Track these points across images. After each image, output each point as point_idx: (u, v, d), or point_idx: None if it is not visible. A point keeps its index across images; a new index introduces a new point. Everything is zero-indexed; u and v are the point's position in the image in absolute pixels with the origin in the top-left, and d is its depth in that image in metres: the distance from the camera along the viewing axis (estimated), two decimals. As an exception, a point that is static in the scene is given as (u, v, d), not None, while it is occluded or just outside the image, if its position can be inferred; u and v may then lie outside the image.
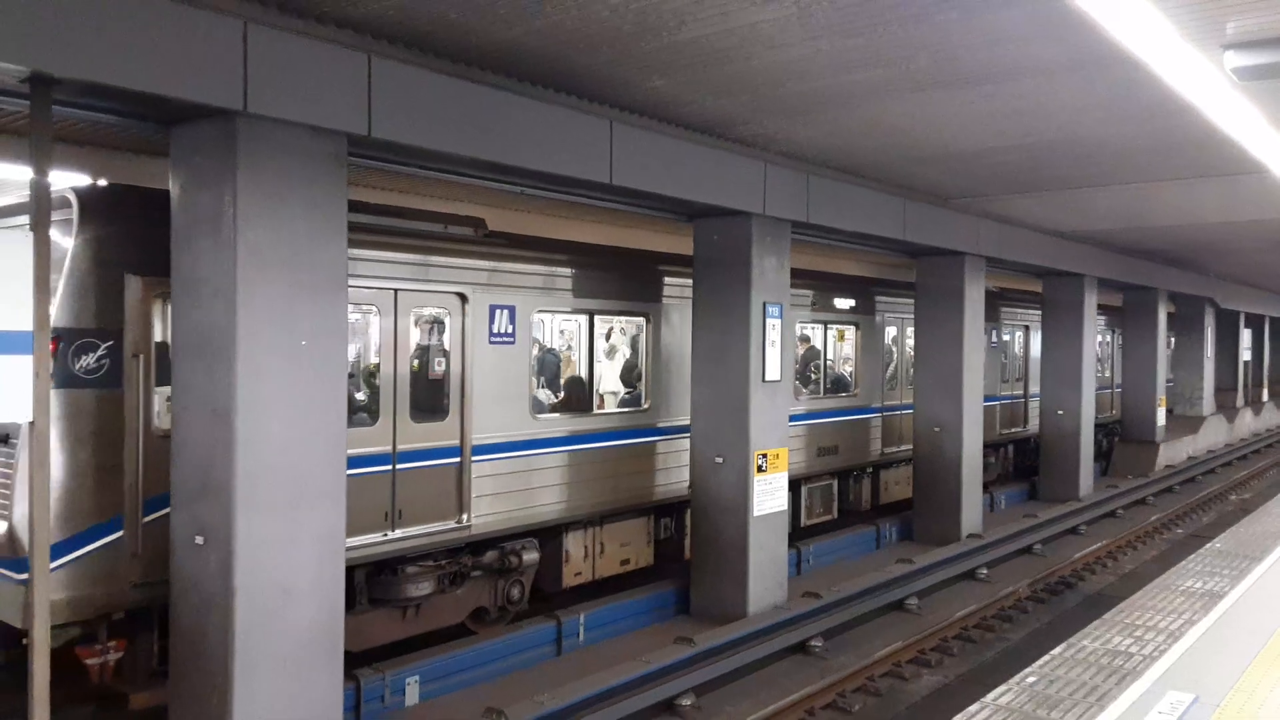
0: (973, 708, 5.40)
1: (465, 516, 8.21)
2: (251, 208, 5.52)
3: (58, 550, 5.90)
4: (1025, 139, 8.54)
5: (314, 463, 5.87)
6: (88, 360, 6.21)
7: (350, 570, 6.98)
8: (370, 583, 7.75)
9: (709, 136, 8.46)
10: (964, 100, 7.27)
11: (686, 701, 7.60)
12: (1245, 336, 28.71)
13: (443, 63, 6.32)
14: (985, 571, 11.99)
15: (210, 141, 5.61)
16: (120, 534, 6.28)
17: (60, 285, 6.03)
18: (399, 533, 7.69)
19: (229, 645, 5.54)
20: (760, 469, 9.41)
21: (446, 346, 8.26)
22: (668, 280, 10.37)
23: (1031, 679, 5.84)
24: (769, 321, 9.46)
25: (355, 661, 7.32)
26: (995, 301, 16.53)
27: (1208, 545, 9.74)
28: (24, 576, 5.60)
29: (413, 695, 7.37)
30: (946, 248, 12.49)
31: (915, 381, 13.61)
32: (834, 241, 11.80)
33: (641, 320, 10.28)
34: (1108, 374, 21.43)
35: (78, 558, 6.10)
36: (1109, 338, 21.67)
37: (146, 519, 6.34)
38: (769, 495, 9.54)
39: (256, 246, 5.54)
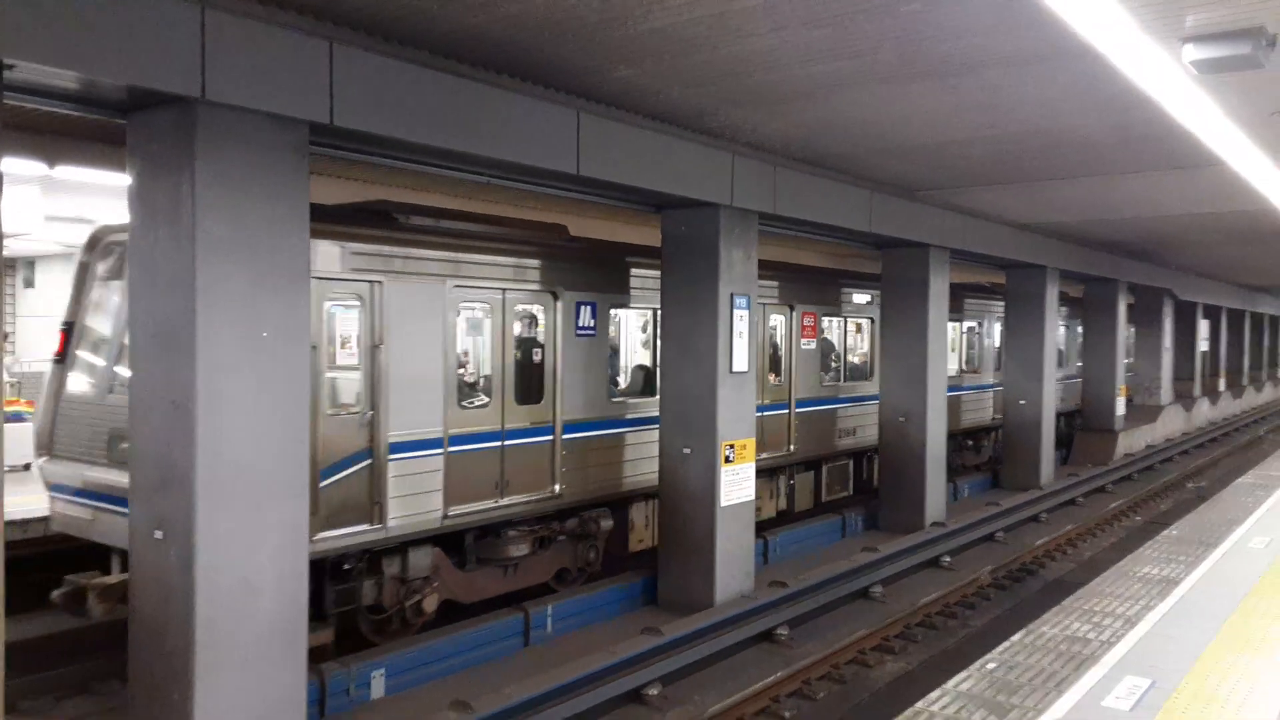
0: (934, 694, 5.48)
1: (557, 487, 9.38)
2: (210, 197, 5.43)
3: None
4: (989, 131, 8.61)
5: (277, 456, 5.80)
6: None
7: (462, 532, 8.60)
8: (477, 544, 8.90)
9: (676, 127, 8.45)
10: (929, 92, 7.31)
11: (654, 691, 7.62)
12: (1203, 327, 29.20)
13: (407, 50, 6.25)
14: (949, 559, 12.13)
15: (168, 129, 5.51)
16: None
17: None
18: (506, 500, 8.88)
19: (190, 639, 5.47)
20: (728, 460, 9.44)
21: (540, 339, 9.48)
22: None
23: (992, 665, 5.93)
24: (736, 313, 9.47)
25: (458, 614, 8.64)
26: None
27: (1165, 532, 9.94)
28: None
29: (378, 689, 7.33)
30: (912, 239, 12.58)
31: (881, 371, 13.73)
32: (801, 233, 11.85)
33: None
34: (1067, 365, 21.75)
35: None
36: (1066, 329, 21.97)
37: (323, 484, 7.28)
38: (736, 486, 9.58)
39: (216, 236, 5.45)
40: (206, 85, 5.27)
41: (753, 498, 9.87)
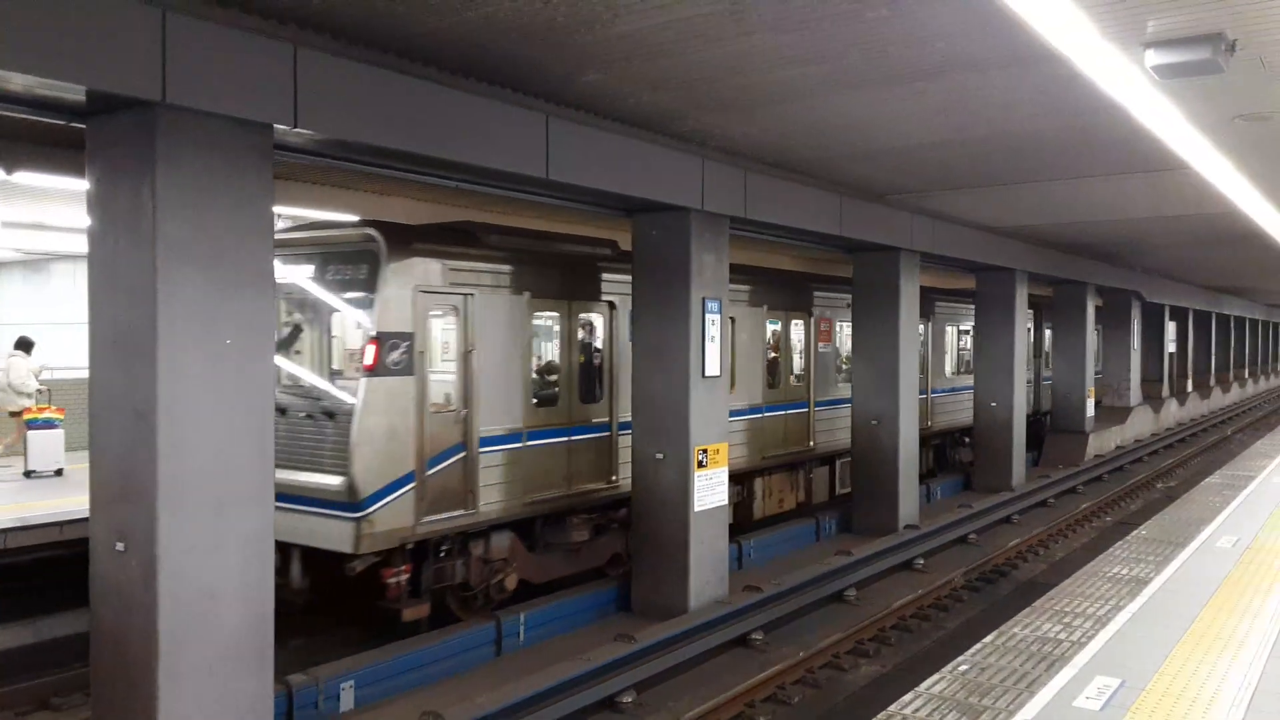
0: (907, 697, 5.47)
1: (614, 478, 10.26)
2: (172, 202, 5.34)
3: (379, 495, 7.80)
4: (957, 135, 8.67)
5: (240, 464, 5.71)
6: (396, 355, 7.96)
7: (533, 519, 9.47)
8: (545, 530, 9.67)
9: (647, 131, 8.44)
10: (896, 97, 7.34)
11: (628, 699, 7.57)
12: (1170, 329, 29.55)
13: (373, 54, 6.20)
14: (922, 562, 12.18)
15: (128, 133, 5.42)
16: (413, 484, 8.09)
17: (377, 302, 7.95)
18: (572, 490, 9.80)
19: (153, 651, 5.37)
20: (701, 464, 9.42)
21: (599, 345, 10.46)
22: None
23: (964, 667, 5.93)
24: (708, 317, 9.47)
25: (532, 592, 9.45)
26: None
27: (1134, 532, 10.01)
28: (357, 515, 7.70)
29: (348, 700, 7.23)
30: (882, 243, 12.64)
31: (853, 375, 13.78)
32: (772, 237, 11.88)
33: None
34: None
35: (391, 500, 7.89)
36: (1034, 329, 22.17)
37: (428, 473, 8.21)
38: (710, 490, 9.56)
39: (177, 242, 5.37)
40: (167, 88, 5.19)
41: (726, 502, 9.87)
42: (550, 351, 10.32)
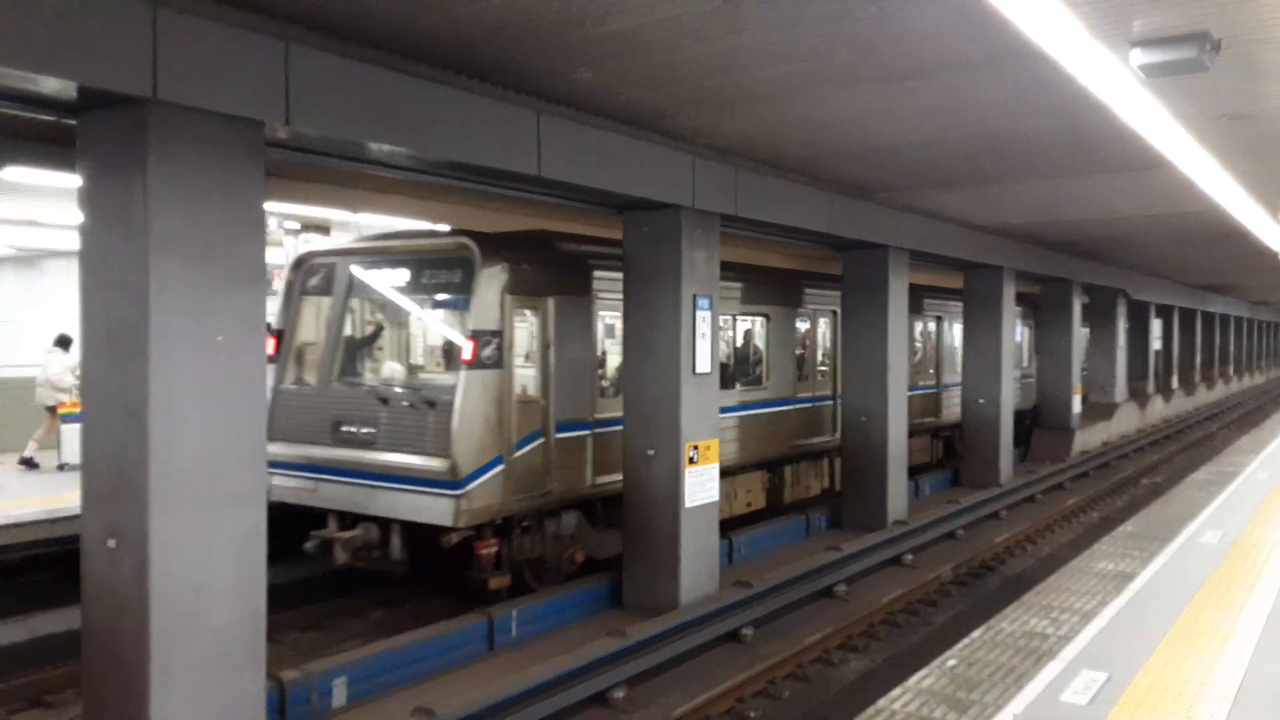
0: (896, 691, 5.53)
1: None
2: (163, 198, 5.33)
3: (475, 475, 8.71)
4: (944, 133, 8.72)
5: (233, 461, 5.71)
6: (489, 351, 8.90)
7: (595, 500, 10.16)
8: (605, 510, 10.26)
9: (638, 129, 8.46)
10: (885, 95, 7.38)
11: (619, 694, 7.61)
12: (1155, 326, 29.72)
13: (365, 51, 6.20)
14: (910, 557, 12.24)
15: (119, 130, 5.40)
16: (502, 466, 8.94)
17: (473, 303, 8.96)
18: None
19: (144, 649, 5.36)
20: (692, 461, 9.45)
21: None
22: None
23: (952, 662, 5.99)
24: (699, 314, 9.49)
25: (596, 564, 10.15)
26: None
27: (1120, 528, 10.12)
28: (457, 493, 8.57)
29: (340, 696, 7.24)
30: (871, 241, 12.68)
31: (842, 372, 13.85)
32: (762, 235, 11.92)
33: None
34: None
35: (484, 480, 8.79)
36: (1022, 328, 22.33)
37: (515, 454, 9.11)
38: (700, 487, 9.59)
39: (169, 238, 5.36)
40: (159, 85, 5.18)
41: (717, 498, 9.91)
42: (615, 349, 10.95)
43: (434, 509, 8.68)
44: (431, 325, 11.15)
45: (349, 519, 9.24)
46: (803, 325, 14.46)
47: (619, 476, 9.92)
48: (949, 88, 7.19)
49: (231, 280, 5.67)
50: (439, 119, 6.76)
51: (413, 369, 11.01)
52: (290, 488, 9.38)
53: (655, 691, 7.87)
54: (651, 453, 9.45)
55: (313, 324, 10.42)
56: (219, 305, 5.60)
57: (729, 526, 11.45)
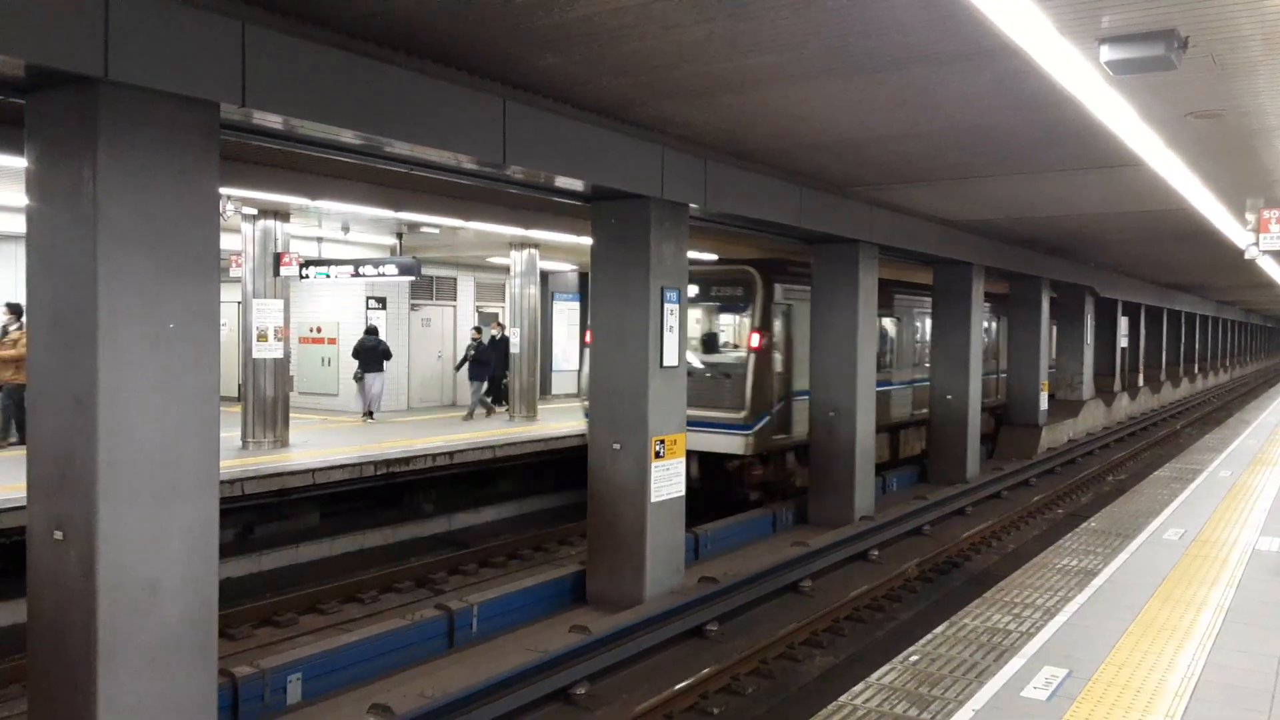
0: (858, 687, 5.49)
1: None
2: (113, 182, 5.18)
3: (756, 420, 13.53)
4: (915, 128, 8.69)
5: (185, 452, 5.57)
6: (763, 341, 13.61)
7: (799, 446, 14.46)
8: (799, 454, 14.68)
9: (607, 118, 8.37)
10: (855, 88, 7.34)
11: (581, 690, 7.53)
12: (1123, 324, 30.06)
13: (323, 32, 6.05)
14: (876, 553, 12.27)
15: (69, 111, 5.24)
16: (769, 417, 13.79)
17: (755, 309, 13.85)
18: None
19: (92, 644, 5.22)
20: (658, 455, 9.39)
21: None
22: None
23: (915, 658, 5.97)
24: (667, 306, 9.43)
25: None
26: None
27: (1084, 524, 10.16)
28: (747, 433, 13.45)
29: (295, 693, 7.12)
30: (841, 235, 12.68)
31: (811, 366, 13.85)
32: (731, 228, 11.86)
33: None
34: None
35: (761, 425, 13.63)
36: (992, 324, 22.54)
37: (774, 409, 13.90)
38: (667, 481, 9.54)
39: (119, 223, 5.21)
40: (110, 65, 5.03)
41: (683, 493, 9.86)
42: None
43: (732, 443, 13.45)
44: (713, 325, 15.19)
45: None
46: (916, 324, 18.56)
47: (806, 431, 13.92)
48: (920, 81, 7.15)
49: (185, 267, 5.52)
50: (401, 105, 6.63)
51: (713, 352, 14.84)
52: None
53: (618, 687, 7.81)
54: (617, 446, 9.38)
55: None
56: (171, 292, 5.45)
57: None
